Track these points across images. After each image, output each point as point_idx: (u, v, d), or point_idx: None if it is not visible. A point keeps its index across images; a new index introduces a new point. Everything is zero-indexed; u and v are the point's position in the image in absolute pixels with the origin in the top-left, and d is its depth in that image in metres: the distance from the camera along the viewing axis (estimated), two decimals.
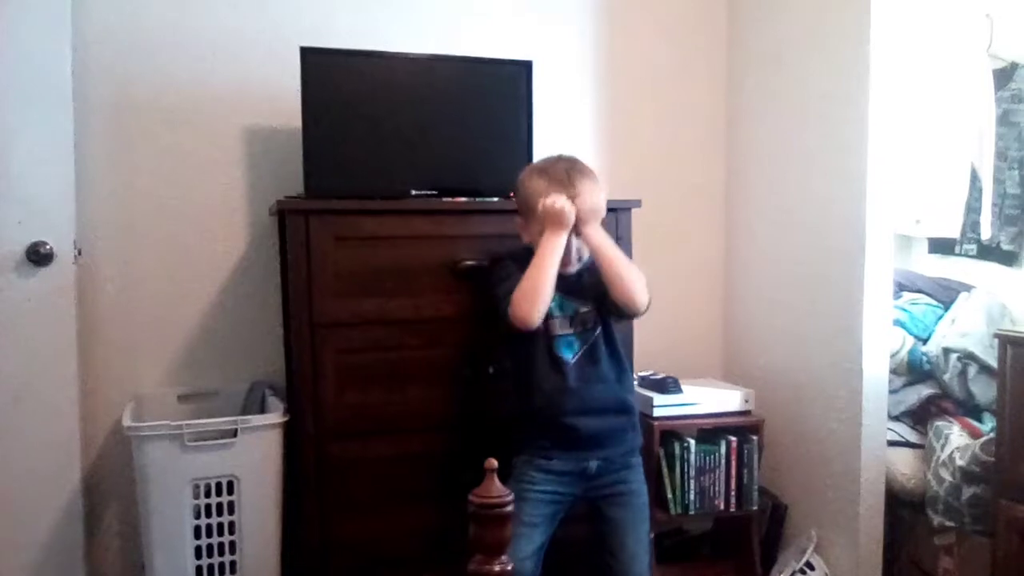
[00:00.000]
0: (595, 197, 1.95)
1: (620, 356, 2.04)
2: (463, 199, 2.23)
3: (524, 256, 1.97)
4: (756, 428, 2.54)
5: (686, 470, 2.46)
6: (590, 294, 1.99)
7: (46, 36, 2.19)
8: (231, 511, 2.06)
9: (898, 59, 2.36)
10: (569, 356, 1.98)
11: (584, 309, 2.00)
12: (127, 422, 2.05)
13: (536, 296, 1.88)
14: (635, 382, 2.44)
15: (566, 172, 1.97)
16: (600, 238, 1.94)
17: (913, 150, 2.68)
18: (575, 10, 2.77)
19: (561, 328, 1.98)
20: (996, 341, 2.14)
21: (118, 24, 2.36)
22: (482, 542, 1.23)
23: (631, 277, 1.92)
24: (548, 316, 1.95)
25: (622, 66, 2.83)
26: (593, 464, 1.97)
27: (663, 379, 2.55)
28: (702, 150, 2.94)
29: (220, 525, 2.06)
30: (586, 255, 1.99)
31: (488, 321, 2.09)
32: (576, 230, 1.93)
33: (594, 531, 2.01)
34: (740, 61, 2.88)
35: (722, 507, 2.50)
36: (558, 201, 1.90)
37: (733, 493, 2.50)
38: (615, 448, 2.00)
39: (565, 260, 1.93)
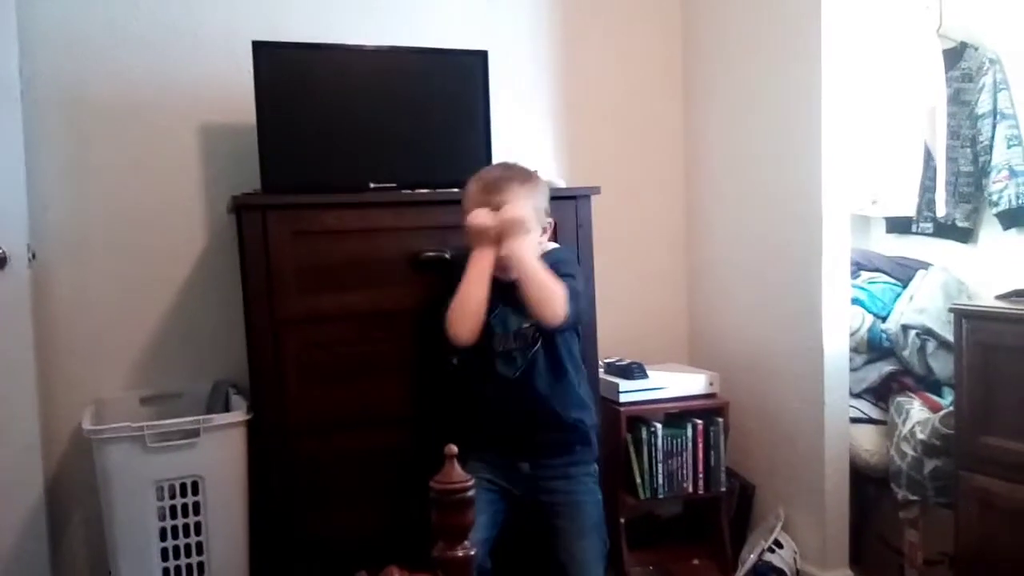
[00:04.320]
0: (520, 208, 1.90)
1: (566, 372, 1.99)
2: (422, 191, 2.22)
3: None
4: (721, 410, 2.56)
5: (654, 454, 2.48)
6: None
7: None
8: (196, 512, 2.04)
9: (850, 42, 2.38)
10: (509, 373, 1.97)
11: (526, 325, 1.96)
12: (87, 425, 2.02)
13: (464, 316, 1.89)
14: (600, 369, 2.46)
15: (495, 180, 1.95)
16: (518, 255, 1.88)
17: (868, 131, 2.70)
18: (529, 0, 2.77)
19: (502, 344, 1.97)
20: (952, 316, 2.18)
21: (67, 24, 2.32)
22: (444, 528, 1.23)
23: (542, 295, 1.86)
24: (491, 332, 1.94)
25: (578, 53, 2.84)
26: (525, 465, 1.98)
27: (628, 365, 2.57)
28: (660, 136, 2.95)
29: (186, 526, 2.04)
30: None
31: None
32: (499, 243, 1.90)
33: (545, 543, 1.97)
34: (694, 45, 2.90)
35: (690, 490, 2.53)
36: (478, 217, 1.90)
37: (701, 476, 2.52)
38: (554, 459, 1.99)
39: (501, 268, 1.91)
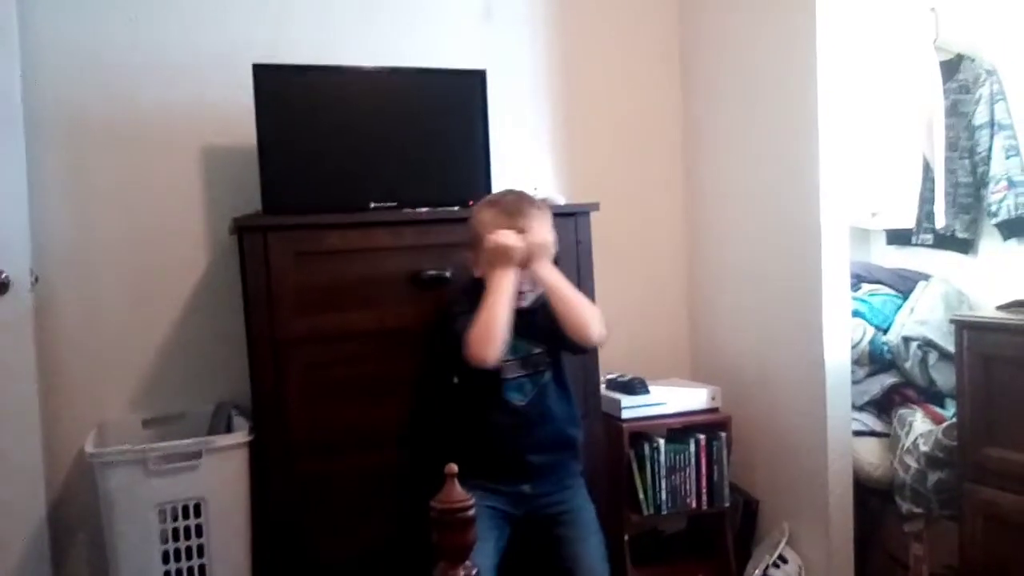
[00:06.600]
0: (545, 232, 1.93)
1: (569, 393, 2.07)
2: (423, 209, 2.23)
3: (474, 289, 1.95)
4: (724, 425, 2.56)
5: (656, 470, 2.47)
6: (543, 334, 1.98)
7: None
8: (199, 534, 2.04)
9: (847, 55, 2.39)
10: (520, 400, 1.98)
11: (537, 351, 1.99)
12: (90, 448, 2.03)
13: (489, 336, 1.84)
14: (602, 385, 2.46)
15: (515, 204, 1.96)
16: (552, 276, 1.91)
17: (866, 144, 2.71)
18: (526, 18, 2.79)
19: (511, 371, 1.98)
20: (953, 327, 2.18)
21: (69, 48, 2.34)
22: (446, 548, 1.23)
23: (584, 314, 1.91)
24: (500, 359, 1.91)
25: (575, 71, 2.85)
26: (526, 487, 1.98)
27: (630, 380, 2.57)
28: (659, 152, 2.96)
29: (188, 549, 2.04)
30: (539, 288, 1.96)
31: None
32: (524, 266, 1.90)
33: (548, 554, 1.97)
34: (692, 61, 2.91)
35: (694, 505, 2.52)
36: (507, 237, 1.88)
37: (704, 491, 2.52)
38: (553, 476, 2.01)
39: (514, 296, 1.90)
